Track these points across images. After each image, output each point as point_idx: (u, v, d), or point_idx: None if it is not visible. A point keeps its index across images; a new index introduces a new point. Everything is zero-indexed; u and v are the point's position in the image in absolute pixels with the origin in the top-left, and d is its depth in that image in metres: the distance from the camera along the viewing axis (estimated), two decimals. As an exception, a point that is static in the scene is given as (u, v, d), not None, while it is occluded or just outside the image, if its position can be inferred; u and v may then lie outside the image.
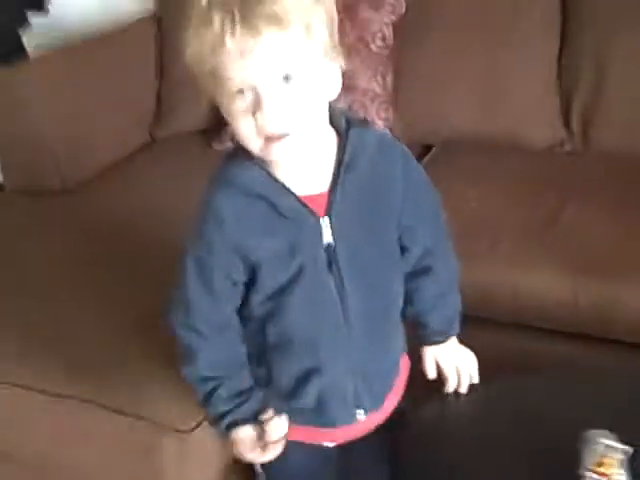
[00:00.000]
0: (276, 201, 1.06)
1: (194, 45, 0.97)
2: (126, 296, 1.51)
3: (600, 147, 2.05)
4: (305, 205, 1.07)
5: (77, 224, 1.80)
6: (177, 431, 1.29)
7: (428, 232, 1.22)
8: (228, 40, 0.94)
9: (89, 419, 1.36)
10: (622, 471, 1.09)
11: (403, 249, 1.20)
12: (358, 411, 1.21)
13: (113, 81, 2.22)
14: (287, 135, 1.00)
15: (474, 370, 1.31)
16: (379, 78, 2.15)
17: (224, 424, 1.16)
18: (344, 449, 1.26)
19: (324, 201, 1.08)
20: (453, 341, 1.31)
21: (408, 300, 1.24)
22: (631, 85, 2.01)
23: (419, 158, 1.98)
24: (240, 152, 1.05)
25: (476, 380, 1.31)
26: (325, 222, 1.09)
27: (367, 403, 1.21)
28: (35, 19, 2.77)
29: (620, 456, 1.10)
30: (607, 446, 1.11)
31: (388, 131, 1.21)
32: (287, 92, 0.98)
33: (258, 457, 1.17)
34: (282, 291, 1.10)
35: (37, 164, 2.03)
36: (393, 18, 2.18)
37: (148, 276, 1.53)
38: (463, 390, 1.30)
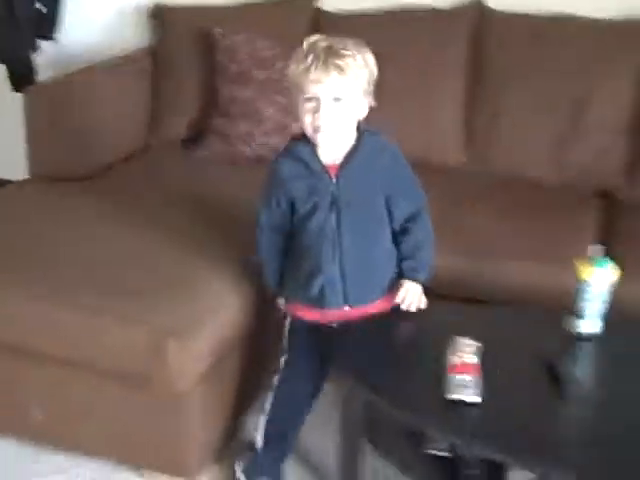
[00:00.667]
0: (310, 164, 1.82)
1: (294, 69, 1.74)
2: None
3: (493, 168, 2.72)
4: (325, 168, 1.82)
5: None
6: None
7: (408, 205, 1.90)
8: (312, 72, 1.70)
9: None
10: (474, 356, 1.72)
11: (390, 212, 1.89)
12: (346, 306, 1.90)
13: (120, 98, 2.84)
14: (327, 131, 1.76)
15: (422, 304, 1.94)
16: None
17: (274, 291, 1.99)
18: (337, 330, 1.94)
19: (336, 168, 1.81)
20: (417, 284, 1.92)
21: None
22: (518, 123, 2.68)
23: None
24: (296, 137, 1.86)
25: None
26: (334, 180, 1.83)
27: (351, 301, 1.90)
28: (44, 46, 3.32)
29: (473, 347, 1.73)
30: (463, 342, 1.75)
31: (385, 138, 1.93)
32: (335, 108, 1.74)
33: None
34: (305, 217, 1.86)
35: (66, 156, 2.63)
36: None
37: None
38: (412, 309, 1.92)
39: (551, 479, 1.64)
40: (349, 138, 1.84)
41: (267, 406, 1.96)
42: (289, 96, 1.86)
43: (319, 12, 3.03)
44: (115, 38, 3.38)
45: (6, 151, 3.20)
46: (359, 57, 1.75)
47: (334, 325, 1.94)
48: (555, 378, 1.71)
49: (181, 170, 2.73)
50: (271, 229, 1.94)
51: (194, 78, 2.99)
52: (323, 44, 1.74)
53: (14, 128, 2.79)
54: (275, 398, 1.95)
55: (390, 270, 1.93)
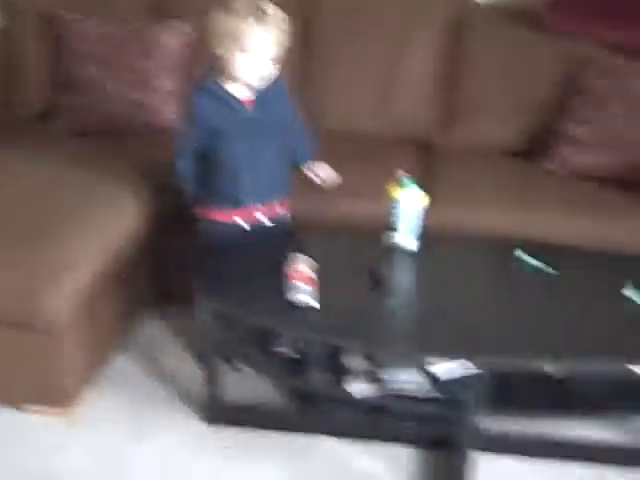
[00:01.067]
0: (228, 100, 2.19)
1: (231, 23, 2.06)
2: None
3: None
4: (241, 102, 2.20)
5: None
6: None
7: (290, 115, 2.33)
8: (255, 31, 2.05)
9: None
10: (310, 270, 2.04)
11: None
12: (257, 205, 2.31)
13: None
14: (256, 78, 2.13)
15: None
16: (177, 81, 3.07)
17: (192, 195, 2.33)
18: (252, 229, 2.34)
19: (251, 102, 2.21)
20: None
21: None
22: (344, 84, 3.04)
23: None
24: (211, 77, 2.19)
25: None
26: (249, 112, 2.21)
27: (264, 199, 2.33)
28: None
29: (310, 262, 2.06)
30: (301, 258, 2.08)
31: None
32: (267, 63, 2.12)
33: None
34: (224, 140, 2.22)
35: None
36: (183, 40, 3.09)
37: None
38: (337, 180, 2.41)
39: (377, 358, 2.00)
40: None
41: None
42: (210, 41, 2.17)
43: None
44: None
45: None
46: (280, 12, 2.14)
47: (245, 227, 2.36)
48: (376, 281, 2.06)
49: (37, 141, 2.93)
50: (190, 152, 2.29)
51: (44, 58, 3.18)
52: (261, 5, 2.11)
53: None
54: None
55: (286, 178, 2.39)
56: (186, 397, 2.41)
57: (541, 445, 2.17)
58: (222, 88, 2.20)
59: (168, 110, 3.03)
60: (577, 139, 2.76)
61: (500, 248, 2.31)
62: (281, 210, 2.40)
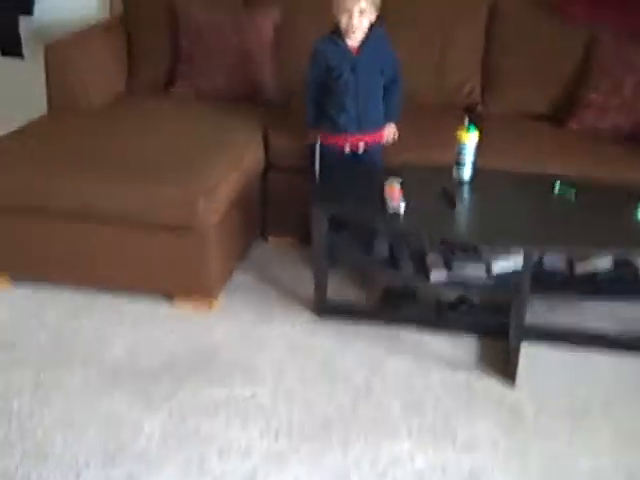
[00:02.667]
0: (340, 45, 3.00)
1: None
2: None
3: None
4: (349, 47, 3.01)
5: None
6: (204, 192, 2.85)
7: (391, 73, 3.09)
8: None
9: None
10: (399, 186, 2.78)
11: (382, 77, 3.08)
12: (357, 133, 3.08)
13: (105, 54, 3.79)
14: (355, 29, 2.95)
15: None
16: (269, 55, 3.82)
17: (308, 124, 3.15)
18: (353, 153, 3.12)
19: (356, 49, 3.01)
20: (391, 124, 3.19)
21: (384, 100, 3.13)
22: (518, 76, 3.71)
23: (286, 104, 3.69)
24: (332, 32, 3.01)
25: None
26: (354, 56, 3.01)
27: (364, 129, 3.09)
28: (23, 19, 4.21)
29: (399, 181, 2.80)
30: (393, 179, 2.82)
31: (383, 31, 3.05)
32: (360, 16, 2.93)
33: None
34: (337, 76, 3.02)
35: (75, 95, 3.57)
36: (273, 23, 3.83)
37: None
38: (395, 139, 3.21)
39: (451, 255, 2.74)
40: (363, 32, 3.00)
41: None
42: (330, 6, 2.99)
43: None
44: (80, 12, 4.26)
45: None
46: None
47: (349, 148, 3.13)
48: (449, 199, 2.80)
49: (166, 101, 3.70)
50: (313, 85, 3.10)
51: (160, 38, 3.92)
52: None
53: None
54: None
55: (382, 110, 3.14)
56: (298, 297, 3.15)
57: (570, 335, 2.90)
58: (336, 38, 3.01)
59: (262, 80, 3.76)
60: (593, 105, 3.47)
61: (533, 180, 3.02)
62: (377, 139, 3.15)
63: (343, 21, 2.95)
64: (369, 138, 3.13)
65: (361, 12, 2.93)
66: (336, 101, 3.06)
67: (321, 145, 3.11)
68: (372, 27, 3.01)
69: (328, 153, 3.11)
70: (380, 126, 3.16)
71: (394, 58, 3.12)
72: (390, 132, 3.19)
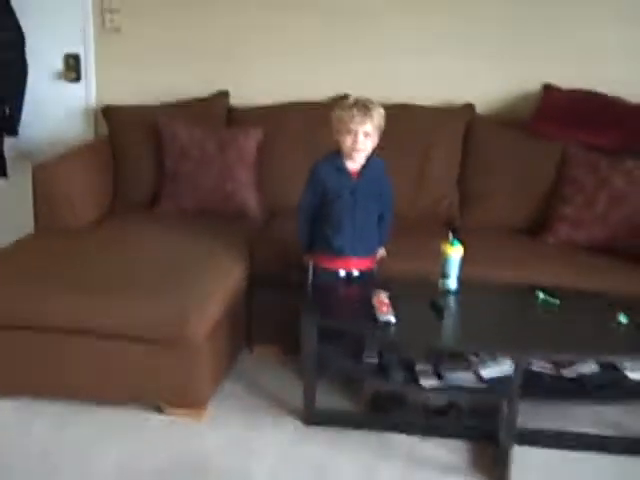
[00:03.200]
0: (340, 167, 3.02)
1: (340, 113, 2.97)
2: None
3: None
4: (349, 171, 3.02)
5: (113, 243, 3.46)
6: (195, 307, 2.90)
7: (387, 202, 3.13)
8: (356, 117, 2.94)
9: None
10: (388, 299, 2.85)
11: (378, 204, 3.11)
12: (354, 257, 3.07)
13: (94, 174, 3.88)
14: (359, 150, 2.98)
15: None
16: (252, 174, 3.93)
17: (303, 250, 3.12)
18: (347, 276, 3.12)
19: (356, 173, 3.03)
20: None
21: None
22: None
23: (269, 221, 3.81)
24: (332, 153, 3.03)
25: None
26: (353, 179, 3.03)
27: (358, 253, 3.08)
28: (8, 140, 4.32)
29: (387, 294, 2.86)
30: (381, 293, 2.88)
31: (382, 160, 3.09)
32: (365, 138, 2.96)
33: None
34: (333, 199, 3.04)
35: (60, 216, 3.63)
36: (256, 142, 3.97)
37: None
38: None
39: (440, 363, 2.79)
40: (364, 157, 3.03)
41: None
42: (330, 130, 3.05)
43: (230, 108, 4.17)
44: (65, 133, 4.38)
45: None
46: (379, 109, 2.99)
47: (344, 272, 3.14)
48: (437, 309, 2.87)
49: (151, 219, 3.77)
50: (308, 209, 3.11)
51: (146, 158, 4.03)
52: (362, 101, 2.98)
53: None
54: None
55: (376, 235, 3.15)
56: (286, 406, 3.15)
57: (565, 438, 2.94)
58: (336, 160, 3.03)
59: (245, 196, 3.86)
60: (568, 219, 3.61)
61: (517, 290, 3.12)
62: (369, 265, 3.15)
63: (348, 143, 2.96)
64: (363, 263, 3.14)
65: (366, 134, 2.95)
66: (332, 222, 3.06)
67: (315, 267, 3.13)
68: (371, 155, 3.05)
69: (322, 274, 3.12)
70: (374, 252, 3.18)
71: (391, 188, 3.16)
72: (380, 254, 3.21)
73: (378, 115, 2.98)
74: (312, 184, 3.08)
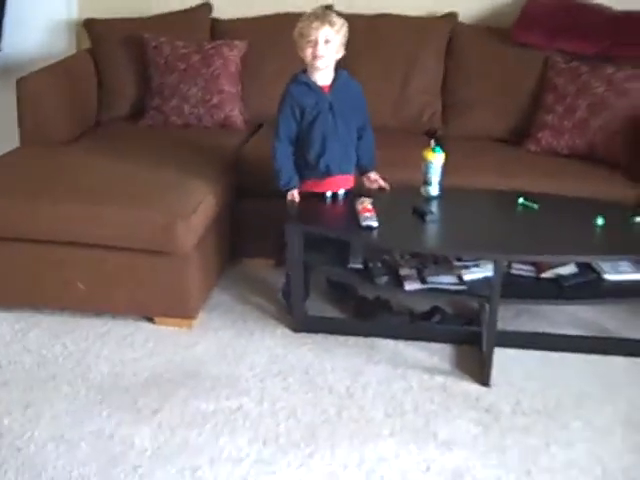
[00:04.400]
0: (311, 85, 2.95)
1: (301, 25, 2.91)
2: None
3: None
4: (321, 87, 2.96)
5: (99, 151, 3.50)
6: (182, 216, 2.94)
7: (362, 118, 3.07)
8: (314, 23, 2.87)
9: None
10: (370, 205, 2.91)
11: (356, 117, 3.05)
12: (339, 175, 3.04)
13: (78, 87, 3.89)
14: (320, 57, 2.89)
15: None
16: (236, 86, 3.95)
17: (283, 186, 3.01)
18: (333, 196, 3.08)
19: (328, 87, 2.97)
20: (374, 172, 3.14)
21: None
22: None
23: (254, 133, 3.84)
24: (299, 73, 2.96)
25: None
26: (328, 94, 2.97)
27: (345, 170, 3.06)
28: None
29: (370, 200, 2.93)
30: (364, 199, 2.94)
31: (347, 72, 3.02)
32: (325, 45, 2.89)
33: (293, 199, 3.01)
34: (313, 119, 2.96)
35: (46, 128, 3.66)
36: (240, 54, 3.98)
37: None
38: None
39: (424, 268, 2.88)
40: (331, 70, 2.98)
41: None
42: (294, 45, 2.97)
43: (214, 20, 4.16)
44: (47, 47, 4.36)
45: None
46: (341, 19, 2.94)
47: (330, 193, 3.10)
48: (420, 214, 2.94)
49: (136, 132, 3.80)
50: (287, 138, 3.00)
51: (129, 71, 4.04)
52: (319, 11, 2.96)
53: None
54: None
55: (356, 150, 3.10)
56: (274, 314, 3.25)
57: (544, 339, 3.05)
58: (307, 77, 2.96)
59: (230, 108, 3.89)
60: (548, 126, 3.65)
61: (497, 195, 3.21)
62: (353, 182, 3.12)
63: (308, 53, 2.88)
64: (349, 180, 3.11)
65: (326, 41, 2.88)
66: (315, 143, 2.98)
67: (300, 193, 3.05)
68: (338, 68, 3.00)
69: (308, 198, 3.06)
70: (356, 167, 3.13)
71: (364, 100, 3.10)
72: (374, 180, 3.14)
73: (340, 23, 2.93)
74: (287, 108, 2.97)
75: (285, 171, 3.02)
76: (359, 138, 3.11)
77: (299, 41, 2.94)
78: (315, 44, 2.89)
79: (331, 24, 2.90)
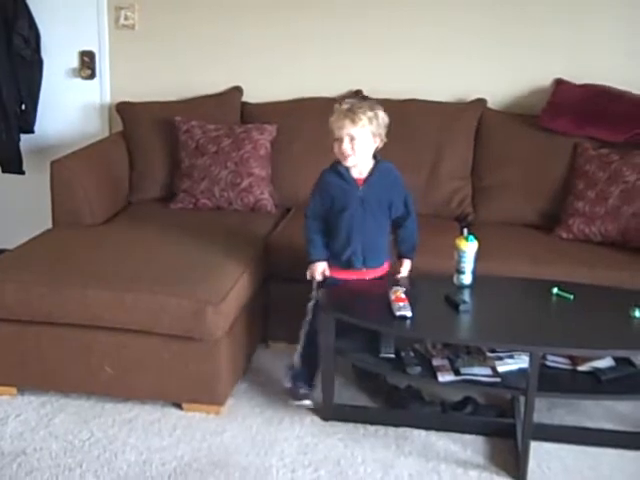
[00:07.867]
0: (345, 176, 2.95)
1: (330, 121, 2.89)
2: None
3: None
4: (355, 180, 2.95)
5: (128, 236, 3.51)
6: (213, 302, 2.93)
7: (402, 207, 3.04)
8: (336, 122, 2.88)
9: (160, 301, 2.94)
10: (404, 294, 2.88)
11: (390, 211, 3.03)
12: (362, 269, 3.03)
13: (110, 170, 3.93)
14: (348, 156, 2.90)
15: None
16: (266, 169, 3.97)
17: (312, 258, 3.02)
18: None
19: (362, 181, 2.96)
20: (408, 261, 3.10)
21: (396, 236, 3.08)
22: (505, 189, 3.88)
23: (284, 216, 3.85)
24: (337, 161, 2.95)
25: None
26: (360, 188, 2.96)
27: (369, 265, 3.04)
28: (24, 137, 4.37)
29: (403, 289, 2.90)
30: (398, 289, 2.91)
31: (391, 163, 3.01)
32: (350, 143, 2.88)
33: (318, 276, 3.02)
34: (341, 210, 2.97)
35: (80, 210, 3.68)
36: (270, 138, 4.01)
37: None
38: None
39: (457, 358, 2.83)
40: (368, 162, 2.96)
41: (302, 336, 3.09)
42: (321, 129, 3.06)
43: (244, 104, 4.21)
44: (80, 130, 4.42)
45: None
46: (369, 112, 2.87)
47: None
48: (453, 304, 2.90)
49: (167, 215, 3.81)
50: (315, 217, 3.03)
51: (161, 154, 4.08)
52: (345, 106, 2.89)
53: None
54: (307, 333, 3.07)
55: (387, 247, 3.08)
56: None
57: (582, 433, 2.97)
58: (342, 167, 2.96)
59: (260, 192, 3.90)
60: (579, 213, 3.63)
61: (531, 285, 3.15)
62: (382, 274, 3.08)
63: (336, 150, 2.89)
64: (375, 273, 3.07)
65: (351, 138, 2.85)
66: (340, 235, 2.99)
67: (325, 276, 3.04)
68: (378, 160, 2.98)
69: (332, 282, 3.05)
70: (384, 261, 3.10)
71: (404, 192, 3.06)
72: (406, 269, 3.10)
73: (367, 117, 2.86)
74: (319, 191, 3.01)
75: (314, 244, 3.04)
76: (399, 227, 3.09)
77: (331, 134, 2.93)
78: (341, 142, 2.88)
79: (354, 122, 2.85)
